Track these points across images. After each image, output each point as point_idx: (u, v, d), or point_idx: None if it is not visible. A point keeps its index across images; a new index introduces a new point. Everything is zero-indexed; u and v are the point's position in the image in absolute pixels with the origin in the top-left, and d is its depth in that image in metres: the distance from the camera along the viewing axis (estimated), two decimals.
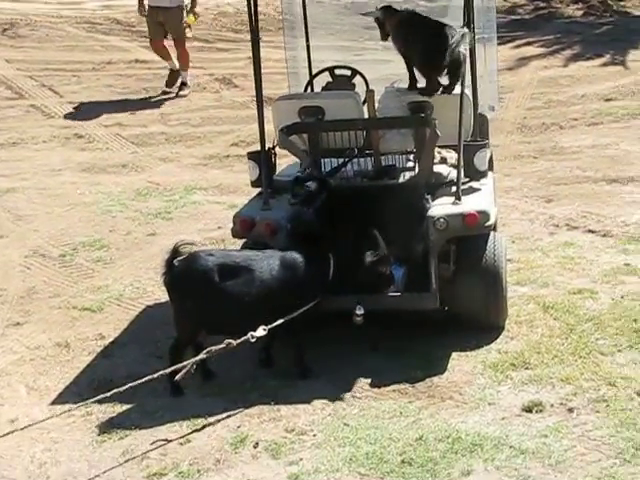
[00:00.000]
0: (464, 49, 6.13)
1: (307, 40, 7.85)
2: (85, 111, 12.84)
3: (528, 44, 17.04)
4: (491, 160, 6.76)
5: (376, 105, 6.32)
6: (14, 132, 11.92)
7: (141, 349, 6.23)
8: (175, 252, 5.64)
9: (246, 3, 6.36)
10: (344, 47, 16.89)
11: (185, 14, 13.24)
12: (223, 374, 5.81)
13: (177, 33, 13.24)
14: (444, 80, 6.36)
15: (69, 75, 14.60)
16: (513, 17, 20.15)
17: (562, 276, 7.12)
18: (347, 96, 6.47)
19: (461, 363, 5.84)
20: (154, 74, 14.64)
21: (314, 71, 7.67)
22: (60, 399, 5.66)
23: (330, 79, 7.34)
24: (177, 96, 13.31)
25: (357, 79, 7.32)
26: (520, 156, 10.74)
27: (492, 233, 6.17)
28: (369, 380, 5.68)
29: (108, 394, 5.11)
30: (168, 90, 13.49)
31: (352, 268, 5.73)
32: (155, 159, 10.91)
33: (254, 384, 5.70)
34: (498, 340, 6.10)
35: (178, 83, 13.54)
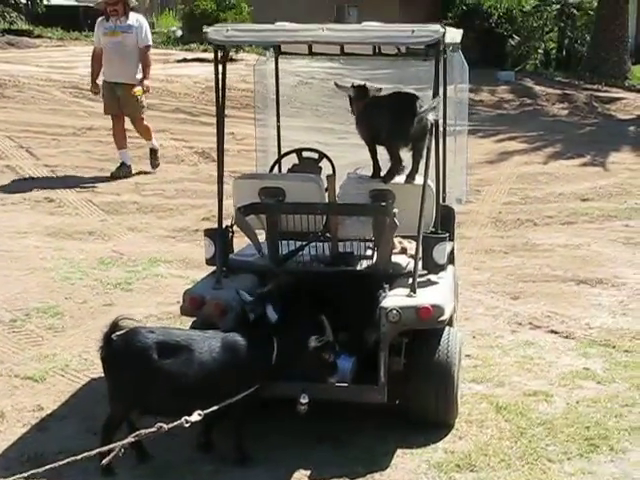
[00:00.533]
0: (432, 118, 6.05)
1: (278, 120, 7.77)
2: (59, 175, 12.77)
3: (511, 139, 17.16)
4: (452, 253, 6.64)
5: (337, 190, 6.23)
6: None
7: (79, 424, 6.02)
8: (114, 326, 5.48)
9: (215, 81, 6.27)
10: (328, 129, 16.98)
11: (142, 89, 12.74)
12: (160, 455, 5.61)
13: (133, 110, 12.79)
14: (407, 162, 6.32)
15: (49, 138, 14.57)
16: (499, 111, 20.35)
17: (519, 376, 6.97)
18: (308, 179, 6.39)
19: (405, 460, 5.66)
20: (133, 143, 14.60)
21: (284, 151, 7.60)
22: None
23: (297, 161, 7.26)
24: (153, 167, 13.23)
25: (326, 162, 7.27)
26: (491, 250, 10.67)
27: (447, 328, 6.03)
28: (308, 472, 5.49)
29: (40, 469, 4.87)
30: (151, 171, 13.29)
31: (295, 354, 5.56)
32: (123, 228, 10.79)
33: (189, 467, 5.51)
34: (446, 438, 5.92)
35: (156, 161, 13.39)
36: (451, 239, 7.20)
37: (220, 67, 6.26)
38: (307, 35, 6.17)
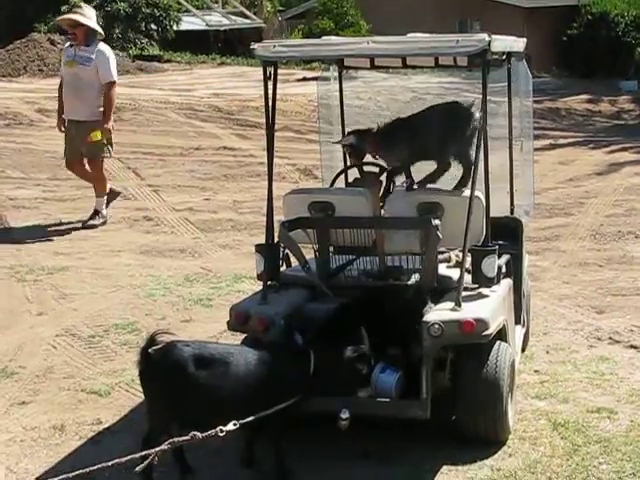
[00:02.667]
0: (475, 124, 5.96)
1: (343, 134, 7.73)
2: (161, 195, 13.05)
3: (624, 150, 16.72)
4: (509, 266, 6.50)
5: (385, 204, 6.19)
6: (88, 212, 12.14)
7: (132, 438, 6.09)
8: (151, 341, 5.56)
9: (264, 99, 6.32)
10: None
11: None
12: (204, 470, 5.66)
13: (90, 151, 11.29)
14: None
15: (156, 159, 14.94)
16: (616, 122, 19.86)
17: (586, 392, 6.76)
18: (357, 193, 6.37)
19: (449, 478, 5.56)
20: (237, 162, 14.89)
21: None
22: None
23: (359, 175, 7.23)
24: (84, 226, 11.42)
25: None
26: (585, 263, 10.40)
27: (497, 343, 5.89)
28: None
29: (71, 474, 4.98)
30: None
31: (332, 367, 5.52)
32: (215, 245, 10.95)
33: None
34: (495, 456, 5.79)
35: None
36: (519, 252, 7.07)
37: (270, 84, 6.30)
38: (351, 48, 6.16)
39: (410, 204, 6.14)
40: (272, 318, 5.81)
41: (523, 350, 7.49)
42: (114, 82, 11.32)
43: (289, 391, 5.43)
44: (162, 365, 5.42)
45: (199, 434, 5.10)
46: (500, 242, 6.62)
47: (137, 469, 5.07)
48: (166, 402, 5.44)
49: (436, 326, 5.57)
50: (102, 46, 11.26)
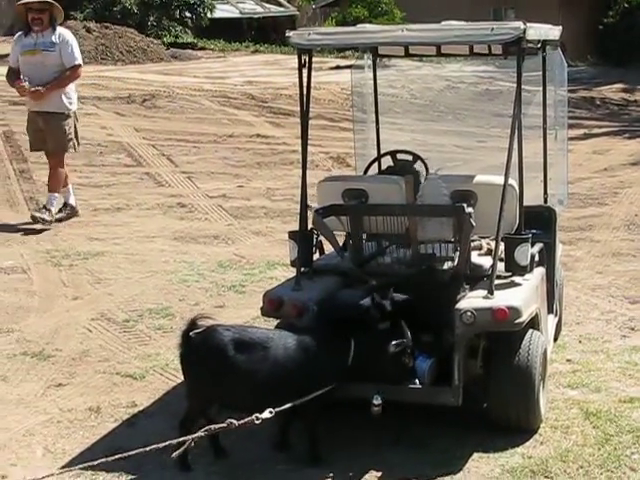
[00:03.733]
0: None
1: (377, 123, 7.77)
2: (195, 181, 13.13)
3: None
4: (542, 255, 6.50)
5: (418, 192, 6.21)
6: (123, 198, 12.28)
7: (166, 421, 6.18)
8: (192, 324, 5.62)
9: (299, 86, 6.34)
10: (469, 133, 16.85)
11: (73, 123, 11.02)
12: (236, 453, 5.71)
13: (55, 145, 10.86)
14: None
15: (190, 146, 15.02)
16: None
17: (619, 382, 6.76)
18: (391, 181, 6.38)
19: (480, 464, 5.57)
20: (271, 149, 14.94)
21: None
22: (71, 464, 5.65)
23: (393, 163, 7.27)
24: (35, 220, 10.85)
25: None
26: (619, 253, 10.37)
27: (530, 331, 5.90)
28: (379, 474, 5.48)
29: (110, 458, 5.07)
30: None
31: (372, 356, 5.57)
32: (248, 232, 11.01)
33: (262, 466, 5.59)
34: (527, 443, 5.80)
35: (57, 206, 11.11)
36: (552, 241, 7.07)
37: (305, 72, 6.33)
38: (386, 36, 6.18)
39: (443, 192, 6.15)
40: (305, 304, 5.85)
41: (556, 339, 7.49)
42: (79, 65, 10.91)
43: (327, 377, 5.47)
44: (203, 349, 5.48)
45: (235, 422, 5.17)
46: (533, 231, 6.63)
47: (174, 455, 5.16)
48: (205, 385, 5.51)
49: (469, 313, 5.59)
50: (62, 30, 10.91)
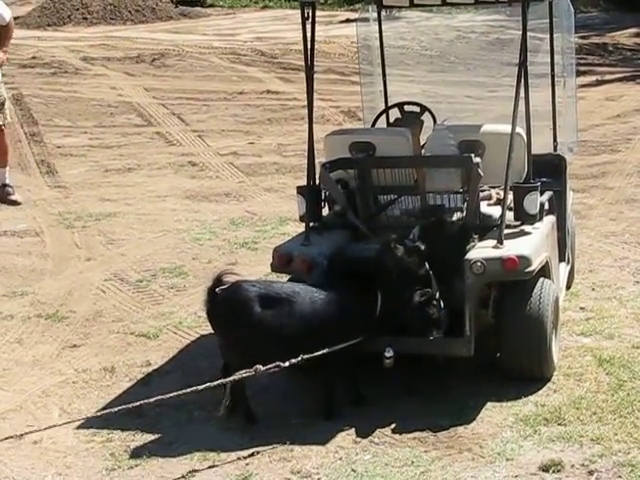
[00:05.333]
0: None
1: (384, 75, 7.72)
2: (205, 140, 13.10)
3: None
4: (552, 203, 6.46)
5: (426, 143, 6.18)
6: (134, 158, 12.25)
7: (180, 379, 6.21)
8: (218, 281, 5.64)
9: (303, 40, 6.30)
10: (479, 83, 16.68)
11: None
12: (252, 408, 5.74)
13: None
14: None
15: (200, 104, 14.96)
16: None
17: (632, 328, 6.75)
18: (398, 133, 6.35)
19: (493, 414, 5.59)
20: (281, 105, 14.86)
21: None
22: (87, 423, 5.70)
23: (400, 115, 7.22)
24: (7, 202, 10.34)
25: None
26: (632, 200, 10.29)
27: (541, 280, 5.89)
28: (393, 425, 5.50)
29: (117, 409, 5.19)
30: None
31: (399, 308, 5.57)
32: (260, 189, 10.99)
33: (277, 421, 5.62)
34: (540, 392, 5.81)
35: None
36: (562, 189, 7.04)
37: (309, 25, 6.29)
38: None
39: (450, 142, 6.11)
40: (315, 259, 5.85)
41: (568, 287, 7.48)
42: (8, 23, 9.88)
43: (355, 331, 5.49)
44: (229, 305, 5.50)
45: (261, 367, 5.23)
46: (543, 179, 6.60)
47: (220, 414, 5.24)
48: (234, 341, 5.53)
49: (478, 264, 5.58)
50: None
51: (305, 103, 14.05)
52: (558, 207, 6.85)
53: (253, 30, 23.59)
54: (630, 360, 6.17)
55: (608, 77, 17.16)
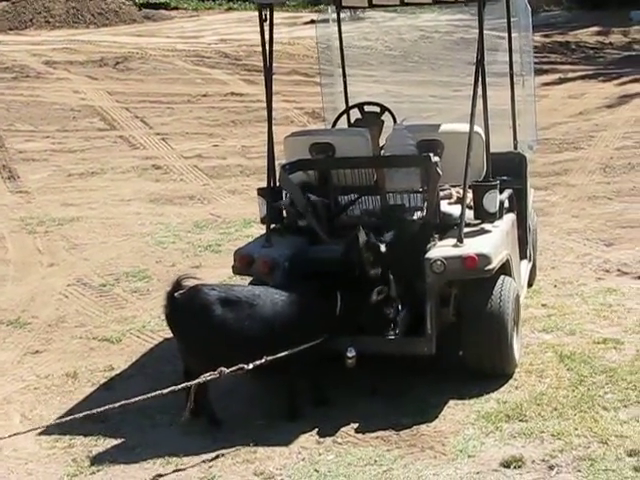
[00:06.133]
0: None
1: (344, 76, 7.74)
2: (169, 143, 13.07)
3: (635, 81, 16.55)
4: (512, 201, 6.50)
5: (384, 143, 6.19)
6: (97, 162, 12.21)
7: (143, 383, 6.19)
8: (177, 285, 5.62)
9: (261, 42, 6.31)
10: (443, 82, 16.75)
11: None
12: (217, 411, 5.72)
13: None
14: None
15: (163, 107, 14.94)
16: (627, 53, 19.63)
17: (593, 324, 6.80)
18: (357, 133, 6.36)
19: (455, 411, 5.61)
20: (245, 107, 14.86)
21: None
22: (49, 430, 5.66)
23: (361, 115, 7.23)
24: None
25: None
26: (594, 197, 10.39)
27: (501, 277, 5.92)
28: (356, 425, 5.51)
29: (80, 415, 5.13)
30: None
31: (358, 308, 5.58)
32: (224, 191, 10.98)
33: (240, 423, 5.61)
34: (502, 389, 5.84)
35: None
36: (523, 187, 7.08)
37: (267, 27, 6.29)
38: None
39: (409, 142, 6.13)
40: (276, 260, 5.85)
41: (531, 284, 7.53)
42: None
43: (315, 332, 5.49)
44: (188, 309, 5.47)
45: (225, 369, 5.22)
46: (504, 177, 6.64)
47: (183, 419, 5.22)
48: (194, 344, 5.51)
49: (438, 262, 5.60)
50: None
51: None
52: (519, 205, 6.89)
53: (217, 32, 23.53)
54: (591, 356, 6.22)
55: (571, 75, 17.30)
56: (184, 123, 14.05)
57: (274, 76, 16.74)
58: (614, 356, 6.22)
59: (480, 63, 5.94)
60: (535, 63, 18.20)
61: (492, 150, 6.67)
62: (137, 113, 14.50)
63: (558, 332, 6.67)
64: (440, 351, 5.79)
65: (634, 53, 19.62)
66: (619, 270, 7.95)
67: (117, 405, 5.14)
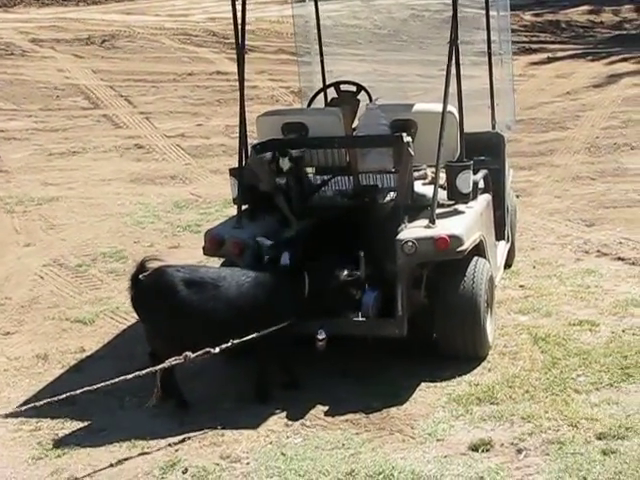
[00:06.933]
0: None
1: (321, 55, 7.66)
2: (153, 122, 12.97)
3: (624, 60, 16.45)
4: (487, 181, 6.42)
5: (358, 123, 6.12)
6: (79, 141, 12.12)
7: (114, 365, 6.13)
8: (141, 267, 5.55)
9: (233, 18, 6.23)
10: (431, 61, 16.62)
11: None
12: (185, 393, 5.66)
13: None
14: None
15: (148, 86, 14.81)
16: (618, 32, 19.51)
17: (570, 305, 6.75)
18: (329, 113, 6.28)
19: (426, 394, 5.56)
20: (231, 86, 14.70)
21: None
22: (16, 412, 5.58)
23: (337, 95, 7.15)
24: None
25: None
26: (578, 177, 10.33)
27: (475, 259, 5.85)
28: (326, 408, 5.46)
29: (40, 403, 5.06)
30: None
31: (326, 290, 5.51)
32: (206, 171, 10.90)
33: (209, 406, 5.55)
34: (475, 371, 5.79)
35: None
36: (501, 167, 7.02)
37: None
38: None
39: (382, 121, 6.05)
40: (246, 242, 5.78)
41: (509, 265, 7.48)
42: None
43: (283, 314, 5.41)
44: (152, 290, 5.40)
45: (190, 354, 5.15)
46: (481, 157, 6.57)
47: (149, 404, 5.18)
48: (159, 327, 5.44)
49: (409, 244, 5.53)
50: None
51: (255, 84, 14.01)
52: (497, 185, 6.82)
53: (207, 10, 23.33)
54: (565, 338, 6.17)
55: (560, 54, 17.18)
56: (168, 102, 13.95)
57: (261, 54, 16.59)
58: (589, 338, 6.17)
59: (454, 43, 5.87)
60: (524, 42, 18.20)
61: (470, 130, 6.63)
62: (122, 92, 14.38)
63: (534, 314, 6.62)
64: (413, 333, 5.73)
65: (624, 32, 19.50)
66: (599, 251, 7.89)
67: (79, 392, 5.03)
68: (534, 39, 18.04)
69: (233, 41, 18.24)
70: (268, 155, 5.94)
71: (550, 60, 16.68)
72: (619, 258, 7.69)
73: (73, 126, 12.76)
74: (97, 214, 9.42)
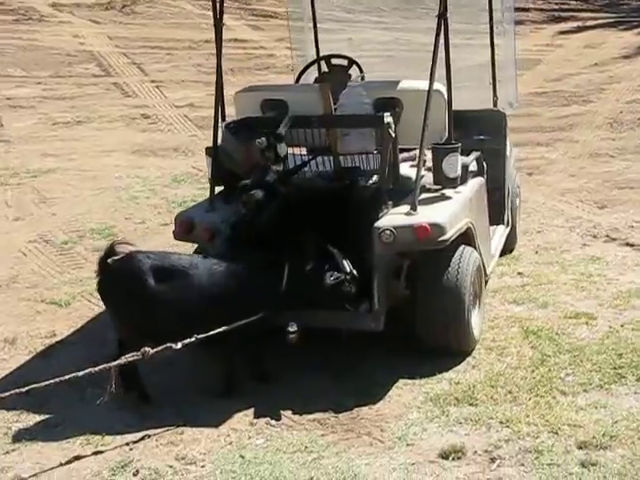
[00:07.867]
0: None
1: (314, 25, 7.28)
2: (163, 91, 12.66)
3: None
4: (480, 164, 6.03)
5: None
6: (85, 110, 11.85)
7: (84, 351, 5.86)
8: (110, 251, 5.25)
9: None
10: (455, 30, 16.07)
11: None
12: (147, 387, 5.36)
13: None
14: None
15: (163, 53, 14.50)
16: None
17: (568, 296, 6.36)
18: (310, 89, 5.91)
19: (403, 392, 5.21)
20: (246, 54, 14.41)
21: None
22: None
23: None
24: None
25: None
26: (596, 154, 9.91)
27: (461, 248, 5.48)
28: (295, 405, 5.13)
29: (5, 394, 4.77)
30: None
31: (308, 283, 5.15)
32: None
33: (173, 400, 5.25)
34: (457, 368, 5.43)
35: None
36: (501, 147, 6.64)
37: None
38: None
39: (365, 100, 5.67)
40: (217, 227, 5.44)
41: (511, 251, 7.11)
42: None
43: (258, 304, 5.08)
44: (120, 276, 5.11)
45: (149, 350, 4.86)
46: (481, 136, 6.21)
47: (100, 401, 4.90)
48: (125, 314, 5.15)
49: (387, 232, 5.16)
50: None
51: (272, 52, 13.63)
52: (496, 166, 6.45)
53: None
54: (559, 332, 5.80)
55: (590, 23, 16.62)
56: (182, 70, 13.63)
57: (282, 22, 16.07)
58: (584, 333, 5.79)
59: (442, 16, 5.48)
60: (554, 10, 17.56)
61: (470, 107, 6.27)
62: (135, 59, 14.07)
63: (530, 304, 6.25)
64: (395, 327, 5.39)
65: None
66: (607, 236, 7.50)
67: (24, 390, 4.73)
68: (564, 7, 17.46)
69: (255, 7, 17.96)
70: (262, 140, 5.57)
71: (580, 29, 16.14)
72: (627, 244, 7.31)
73: (82, 94, 12.48)
74: (92, 187, 9.15)
